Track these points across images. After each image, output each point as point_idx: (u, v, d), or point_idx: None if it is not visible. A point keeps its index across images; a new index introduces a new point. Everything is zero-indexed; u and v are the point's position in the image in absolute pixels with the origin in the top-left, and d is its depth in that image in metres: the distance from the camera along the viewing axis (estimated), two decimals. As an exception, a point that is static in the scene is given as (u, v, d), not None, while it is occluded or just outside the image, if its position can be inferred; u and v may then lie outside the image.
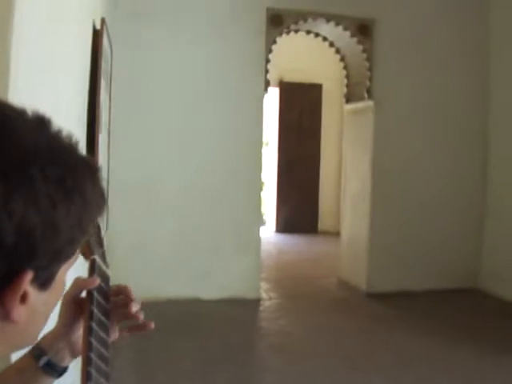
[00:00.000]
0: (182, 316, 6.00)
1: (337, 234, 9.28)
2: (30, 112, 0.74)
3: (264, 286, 7.26)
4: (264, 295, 6.96)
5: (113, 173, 5.44)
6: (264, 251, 7.65)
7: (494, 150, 7.50)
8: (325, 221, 12.06)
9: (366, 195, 7.28)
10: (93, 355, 0.95)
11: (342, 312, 6.52)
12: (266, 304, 6.72)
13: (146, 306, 4.58)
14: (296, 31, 7.32)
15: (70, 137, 0.77)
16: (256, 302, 6.68)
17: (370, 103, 7.18)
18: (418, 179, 7.34)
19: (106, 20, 4.34)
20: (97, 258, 1.04)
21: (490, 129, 7.53)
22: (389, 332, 5.84)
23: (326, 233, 11.71)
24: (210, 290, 6.57)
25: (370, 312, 6.60)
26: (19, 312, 0.73)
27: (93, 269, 1.03)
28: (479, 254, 7.59)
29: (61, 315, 1.08)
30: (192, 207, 6.63)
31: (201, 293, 6.52)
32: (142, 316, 1.13)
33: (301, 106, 11.80)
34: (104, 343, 1.00)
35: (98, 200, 0.80)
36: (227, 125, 6.70)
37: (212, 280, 6.64)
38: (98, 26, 4.10)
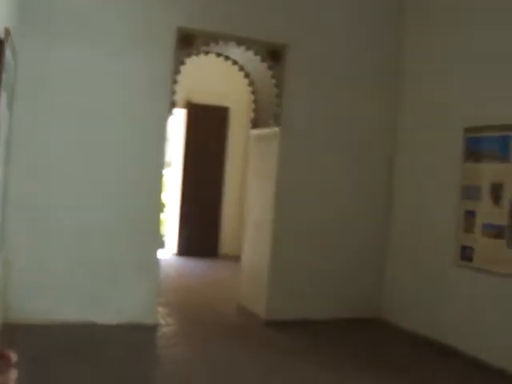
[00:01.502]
0: (76, 342, 5.73)
1: (237, 258, 9.19)
2: None
3: (162, 311, 7.06)
4: (162, 321, 6.76)
5: (10, 191, 5.18)
6: (163, 275, 7.49)
7: (398, 181, 7.65)
8: (226, 245, 11.98)
9: (268, 222, 7.22)
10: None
11: (241, 340, 6.42)
12: (163, 330, 6.52)
13: (41, 329, 4.36)
14: (206, 53, 7.23)
15: None
16: (153, 327, 6.48)
17: (277, 130, 7.15)
18: (321, 209, 7.36)
19: (12, 31, 4.11)
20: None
21: (396, 156, 7.68)
22: (285, 361, 5.78)
23: (226, 257, 11.63)
24: (107, 315, 6.32)
25: (268, 340, 6.53)
26: None
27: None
28: (380, 285, 7.68)
29: None
30: (90, 228, 6.38)
31: (97, 317, 6.26)
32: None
33: (207, 129, 11.71)
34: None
35: None
36: (129, 145, 6.51)
37: (109, 304, 6.40)
38: (1, 36, 3.87)
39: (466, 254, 6.43)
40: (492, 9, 6.39)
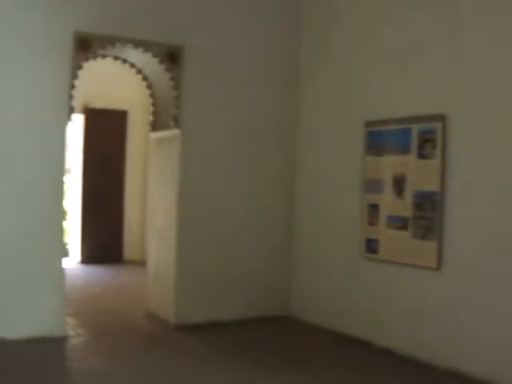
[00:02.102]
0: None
1: (142, 263, 9.08)
2: None
3: (71, 321, 6.88)
4: (71, 332, 6.58)
5: None
6: (69, 284, 7.29)
7: (300, 179, 7.76)
8: (130, 250, 11.84)
9: (172, 226, 7.15)
10: None
11: (152, 347, 6.32)
12: (73, 341, 6.34)
13: None
14: (104, 56, 7.09)
15: None
16: (63, 339, 6.28)
17: (177, 132, 7.09)
18: (225, 210, 7.36)
19: None
20: None
21: (298, 153, 7.78)
22: (197, 365, 5.75)
23: (131, 262, 11.49)
24: (14, 330, 6.05)
25: (180, 345, 6.46)
26: None
27: None
28: (288, 282, 7.78)
29: None
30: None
31: (4, 332, 6.01)
32: None
33: (105, 133, 11.50)
34: None
35: None
36: (27, 153, 6.25)
37: (14, 318, 6.13)
38: None
39: (372, 246, 6.60)
40: (389, 5, 6.58)
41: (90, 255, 11.36)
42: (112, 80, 10.66)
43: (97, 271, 10.76)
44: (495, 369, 5.23)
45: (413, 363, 5.87)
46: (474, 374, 5.35)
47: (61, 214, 6.75)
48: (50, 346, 6.06)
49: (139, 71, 7.46)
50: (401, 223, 6.26)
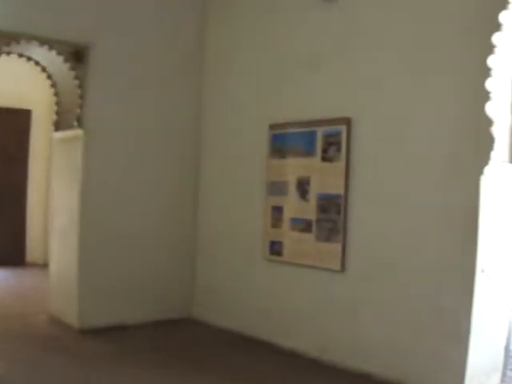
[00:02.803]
0: None
1: (46, 265, 8.85)
2: None
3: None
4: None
5: None
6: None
7: (204, 181, 7.77)
8: (33, 252, 11.54)
9: (75, 228, 6.99)
10: None
11: (56, 352, 6.14)
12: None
13: None
14: (8, 53, 6.89)
15: None
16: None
17: (80, 132, 6.95)
18: (129, 211, 7.27)
19: None
20: None
21: (203, 155, 7.79)
22: (101, 369, 5.63)
23: (34, 264, 11.21)
24: None
25: (84, 349, 6.32)
26: None
27: None
28: (192, 284, 7.77)
29: None
30: None
31: None
32: None
33: (8, 133, 11.17)
34: None
35: None
36: None
37: None
38: None
39: (276, 248, 6.67)
40: (298, 6, 6.63)
41: (-9, 257, 10.99)
42: (16, 78, 10.36)
43: (-2, 274, 10.43)
44: (398, 369, 5.39)
45: (317, 365, 5.95)
46: (379, 375, 5.48)
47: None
48: None
49: (44, 69, 7.30)
50: (305, 226, 6.35)
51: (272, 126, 6.75)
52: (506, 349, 5.57)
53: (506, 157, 5.30)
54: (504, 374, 5.56)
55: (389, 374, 5.42)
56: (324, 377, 5.68)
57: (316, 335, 6.18)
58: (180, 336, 7.02)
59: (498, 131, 4.97)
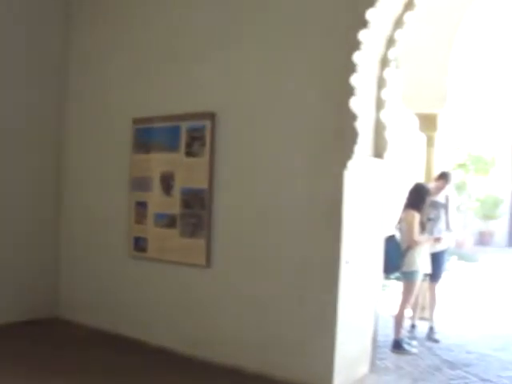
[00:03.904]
0: None
1: None
2: None
3: None
4: None
5: None
6: None
7: (67, 178, 7.53)
8: None
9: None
10: None
11: None
12: None
13: None
14: None
15: None
16: None
17: None
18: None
19: None
20: None
21: (65, 151, 7.54)
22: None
23: None
24: None
25: None
26: None
27: None
28: (56, 284, 7.50)
29: None
30: None
31: None
32: None
33: None
34: None
35: None
36: None
37: None
38: None
39: (140, 244, 6.59)
40: (161, 2, 6.58)
41: None
42: None
43: None
44: (268, 362, 5.49)
45: (187, 361, 5.92)
46: (249, 368, 5.55)
47: None
48: None
49: None
50: (169, 221, 6.31)
51: (136, 121, 6.65)
52: (374, 338, 5.89)
53: (370, 151, 5.61)
54: (372, 363, 5.88)
55: (259, 367, 5.50)
56: (193, 373, 5.66)
57: (185, 331, 6.16)
58: (44, 337, 6.67)
59: (362, 126, 5.23)
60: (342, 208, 5.14)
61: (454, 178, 16.19)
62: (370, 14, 5.08)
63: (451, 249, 14.26)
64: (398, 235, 6.65)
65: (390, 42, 5.66)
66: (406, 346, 6.67)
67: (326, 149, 5.26)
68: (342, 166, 5.14)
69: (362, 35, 5.09)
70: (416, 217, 6.60)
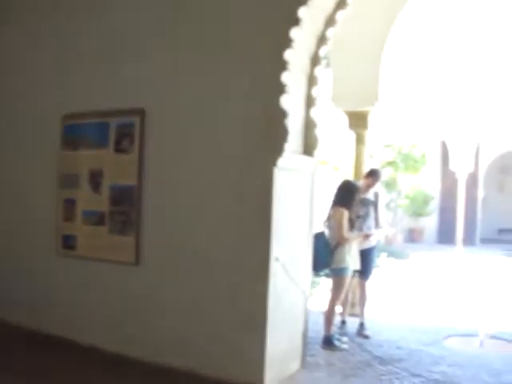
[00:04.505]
0: None
1: None
2: None
3: None
4: None
5: None
6: None
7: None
8: None
9: None
10: None
11: None
12: None
13: None
14: None
15: None
16: None
17: None
18: None
19: None
20: None
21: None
22: None
23: None
24: None
25: None
26: None
27: None
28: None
29: None
30: None
31: None
32: None
33: None
34: None
35: None
36: None
37: None
38: None
39: (69, 242, 6.45)
40: (78, 9, 6.51)
41: None
42: None
43: None
44: (198, 360, 5.47)
45: (118, 360, 5.83)
46: (180, 367, 5.51)
47: None
48: None
49: None
50: (97, 218, 6.20)
51: (65, 118, 6.50)
52: (304, 335, 5.90)
53: (300, 149, 5.62)
54: (304, 360, 5.90)
55: (190, 366, 5.47)
56: (122, 372, 5.60)
57: (115, 329, 6.06)
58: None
59: (292, 124, 5.24)
60: (272, 206, 5.14)
61: (384, 176, 16.64)
62: (301, 12, 5.09)
63: (381, 246, 14.63)
64: (326, 232, 6.69)
65: (322, 40, 5.70)
66: (336, 343, 6.71)
67: (255, 147, 5.25)
68: (272, 163, 5.13)
69: (294, 33, 5.10)
70: (345, 214, 6.64)
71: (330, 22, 5.69)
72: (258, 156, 5.20)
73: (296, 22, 5.08)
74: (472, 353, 6.95)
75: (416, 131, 18.37)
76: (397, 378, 5.79)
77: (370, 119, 8.61)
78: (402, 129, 17.98)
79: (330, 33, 5.71)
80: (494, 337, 7.57)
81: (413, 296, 10.96)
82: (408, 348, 6.91)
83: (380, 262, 14.92)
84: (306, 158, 5.67)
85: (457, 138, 20.99)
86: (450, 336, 7.63)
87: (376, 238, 7.47)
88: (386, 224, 8.00)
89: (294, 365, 5.77)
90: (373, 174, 7.60)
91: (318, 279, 9.81)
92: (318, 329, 6.86)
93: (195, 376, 5.40)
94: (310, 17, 5.23)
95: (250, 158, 5.28)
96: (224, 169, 5.44)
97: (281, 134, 5.12)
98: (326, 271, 7.09)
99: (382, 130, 17.21)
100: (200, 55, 5.61)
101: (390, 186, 19.14)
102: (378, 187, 7.86)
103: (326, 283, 8.74)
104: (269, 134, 5.16)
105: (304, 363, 5.92)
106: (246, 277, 5.26)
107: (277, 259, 5.21)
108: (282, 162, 5.16)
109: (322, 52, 5.72)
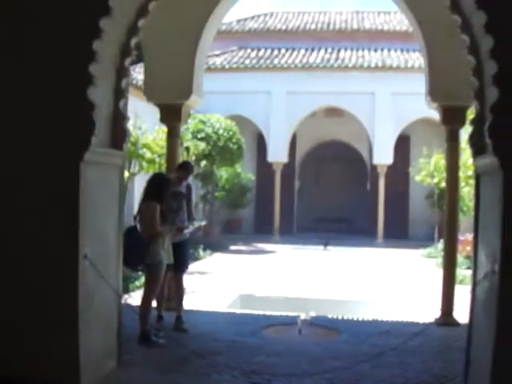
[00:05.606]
0: None
1: None
2: None
3: None
4: None
5: None
6: None
7: None
8: None
9: None
10: None
11: None
12: None
13: None
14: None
15: None
16: None
17: None
18: None
19: None
20: None
21: None
22: None
23: None
24: None
25: None
26: None
27: None
28: None
29: None
30: None
31: None
32: None
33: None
34: None
35: None
36: None
37: None
38: None
39: None
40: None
41: None
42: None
43: None
44: (15, 366, 5.09)
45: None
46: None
47: None
48: None
49: None
50: None
51: None
52: (119, 332, 5.74)
53: (108, 142, 5.46)
54: (120, 358, 5.74)
55: (5, 370, 5.01)
56: None
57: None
58: None
59: (100, 116, 5.07)
60: (79, 201, 4.96)
61: (199, 168, 16.76)
62: (112, 2, 4.94)
63: (198, 238, 14.76)
64: (138, 227, 6.58)
65: (133, 30, 5.56)
66: (153, 338, 6.63)
67: (60, 140, 5.01)
68: (78, 157, 4.94)
69: (103, 23, 4.93)
70: (157, 207, 6.54)
71: (142, 12, 5.55)
72: (64, 150, 4.97)
73: (106, 11, 4.92)
74: (291, 341, 7.14)
75: (232, 124, 18.63)
76: (215, 372, 5.78)
77: (184, 112, 8.57)
78: (217, 121, 18.17)
79: (141, 23, 5.57)
80: (312, 324, 7.79)
81: (231, 286, 11.13)
82: (226, 340, 6.96)
83: (197, 254, 15.08)
84: (115, 151, 5.51)
85: (272, 129, 21.64)
86: (268, 326, 7.76)
87: (189, 230, 7.44)
88: (199, 216, 8.04)
89: (111, 364, 5.62)
90: (184, 167, 7.58)
91: (135, 274, 9.68)
92: (136, 325, 6.71)
93: (12, 381, 5.00)
94: (120, 6, 5.08)
95: (55, 152, 5.03)
96: (29, 164, 5.11)
97: (88, 127, 4.93)
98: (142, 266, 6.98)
99: (197, 122, 17.35)
100: (10, 40, 5.16)
101: (207, 178, 19.30)
102: (190, 180, 7.86)
103: (143, 279, 8.62)
104: (75, 127, 4.93)
105: (121, 361, 5.78)
106: (55, 275, 5.02)
107: (85, 256, 5.04)
108: (88, 155, 4.97)
109: (133, 43, 5.58)
